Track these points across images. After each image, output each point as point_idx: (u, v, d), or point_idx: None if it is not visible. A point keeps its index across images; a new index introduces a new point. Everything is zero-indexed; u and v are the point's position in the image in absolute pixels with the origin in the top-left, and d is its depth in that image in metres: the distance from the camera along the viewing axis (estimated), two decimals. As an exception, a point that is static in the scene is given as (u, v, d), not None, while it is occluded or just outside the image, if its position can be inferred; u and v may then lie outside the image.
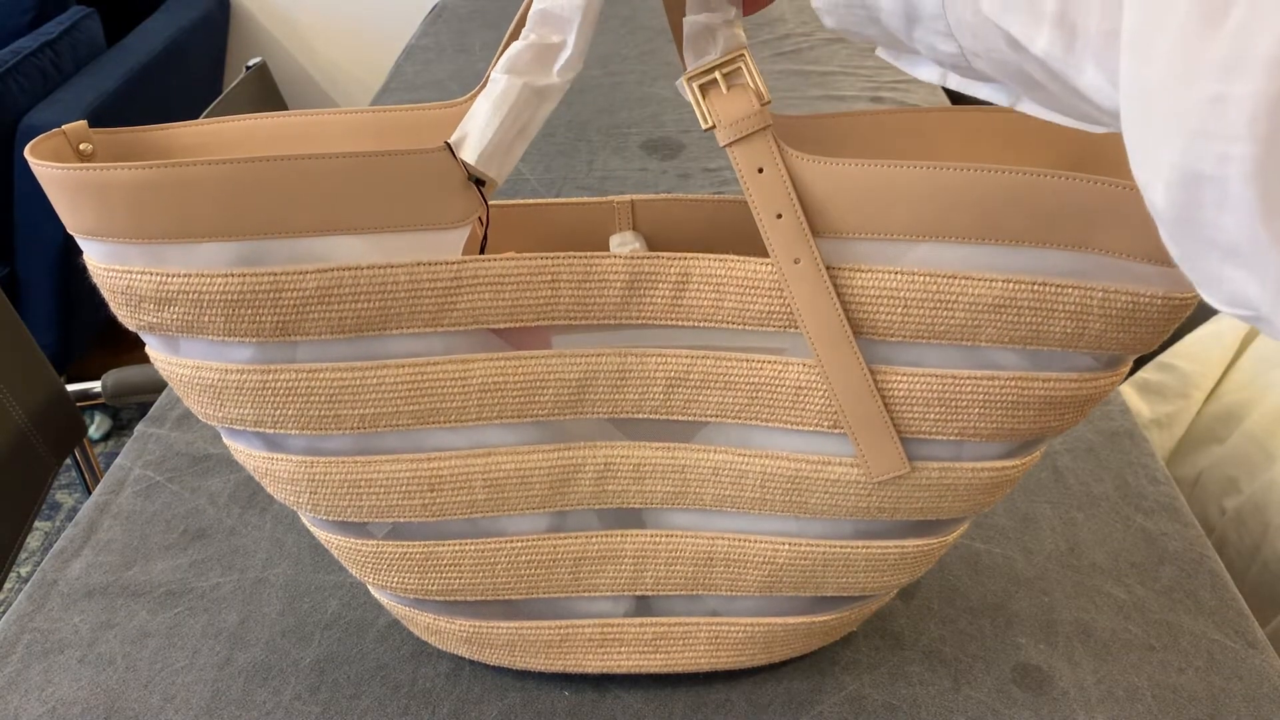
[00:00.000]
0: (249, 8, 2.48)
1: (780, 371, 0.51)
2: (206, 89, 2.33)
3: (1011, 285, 0.47)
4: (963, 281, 0.47)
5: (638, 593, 0.59)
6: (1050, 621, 0.68)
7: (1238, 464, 0.95)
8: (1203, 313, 0.94)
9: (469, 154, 0.47)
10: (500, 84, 0.47)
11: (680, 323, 0.51)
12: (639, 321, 0.51)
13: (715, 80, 0.47)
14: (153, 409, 0.90)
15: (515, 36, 0.50)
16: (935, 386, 0.50)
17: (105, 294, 0.50)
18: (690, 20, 0.48)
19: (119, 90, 1.83)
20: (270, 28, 2.50)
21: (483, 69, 0.50)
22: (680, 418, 0.53)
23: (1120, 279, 0.47)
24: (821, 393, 0.51)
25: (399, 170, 0.47)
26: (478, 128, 0.47)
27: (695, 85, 0.48)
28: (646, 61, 1.62)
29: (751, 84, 0.47)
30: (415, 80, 1.59)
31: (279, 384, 0.50)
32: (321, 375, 0.50)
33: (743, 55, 0.47)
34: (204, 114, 0.89)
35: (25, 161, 0.51)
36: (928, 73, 0.45)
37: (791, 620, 0.60)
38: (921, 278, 0.48)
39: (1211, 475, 0.97)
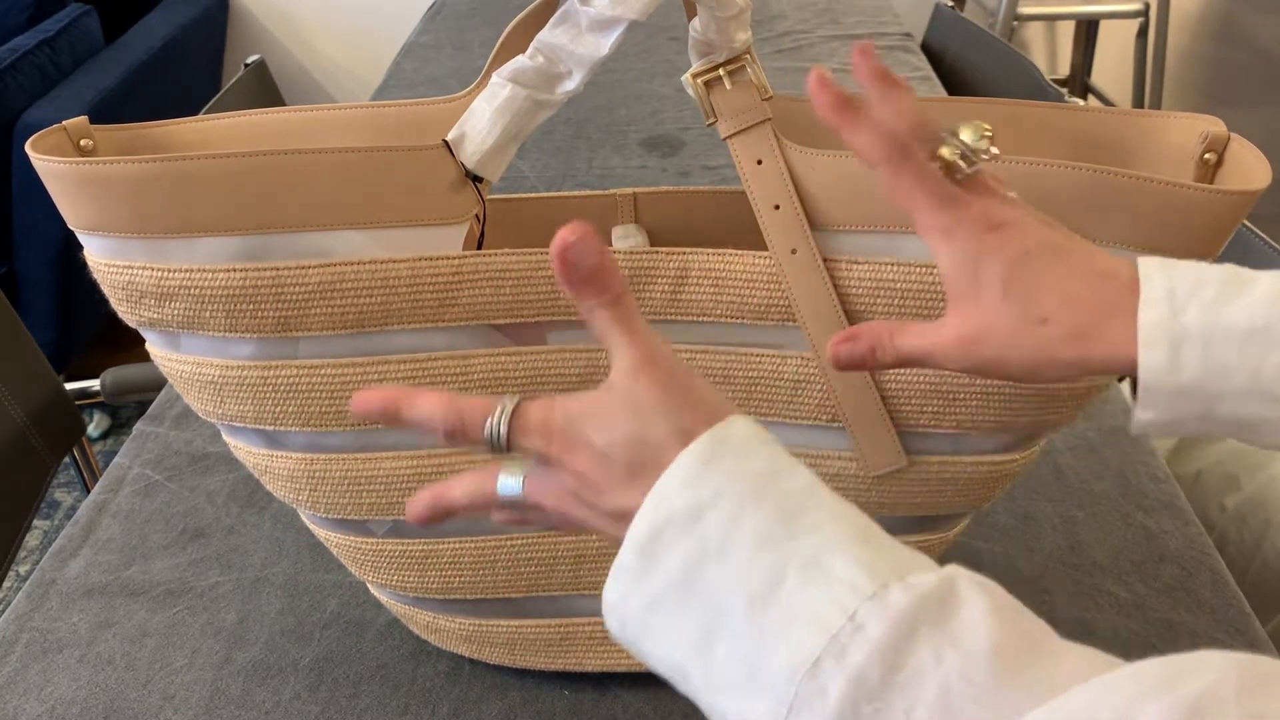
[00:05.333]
0: (247, 5, 2.48)
1: (778, 365, 0.51)
2: (205, 86, 2.32)
3: (1012, 280, 0.47)
4: (962, 275, 0.47)
5: (638, 590, 0.59)
6: (1051, 620, 0.67)
7: (1238, 461, 0.95)
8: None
9: (467, 155, 0.48)
10: (504, 92, 0.47)
11: (679, 317, 0.51)
12: (640, 317, 0.51)
13: (719, 77, 0.48)
14: (151, 407, 0.90)
15: (514, 37, 0.51)
16: (932, 378, 0.50)
17: (106, 290, 0.50)
18: (694, 26, 0.48)
19: (117, 88, 1.83)
20: (269, 25, 2.50)
21: (481, 65, 0.51)
22: (681, 414, 0.53)
23: None
24: (819, 386, 0.51)
25: (398, 166, 0.47)
26: (478, 132, 0.48)
27: (700, 81, 0.48)
28: (646, 59, 1.61)
29: (755, 80, 0.48)
30: (414, 77, 1.59)
31: (280, 380, 0.50)
32: (322, 371, 0.50)
33: (748, 54, 0.48)
34: (202, 111, 0.89)
35: (24, 159, 0.51)
36: None
37: (792, 617, 0.60)
38: (918, 269, 0.48)
39: (1212, 473, 0.96)
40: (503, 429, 0.37)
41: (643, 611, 0.33)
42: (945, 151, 0.41)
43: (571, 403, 0.37)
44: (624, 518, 0.35)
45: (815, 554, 0.31)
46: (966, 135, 0.40)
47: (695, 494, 0.33)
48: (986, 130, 0.40)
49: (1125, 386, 1.09)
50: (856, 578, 0.30)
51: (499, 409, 0.37)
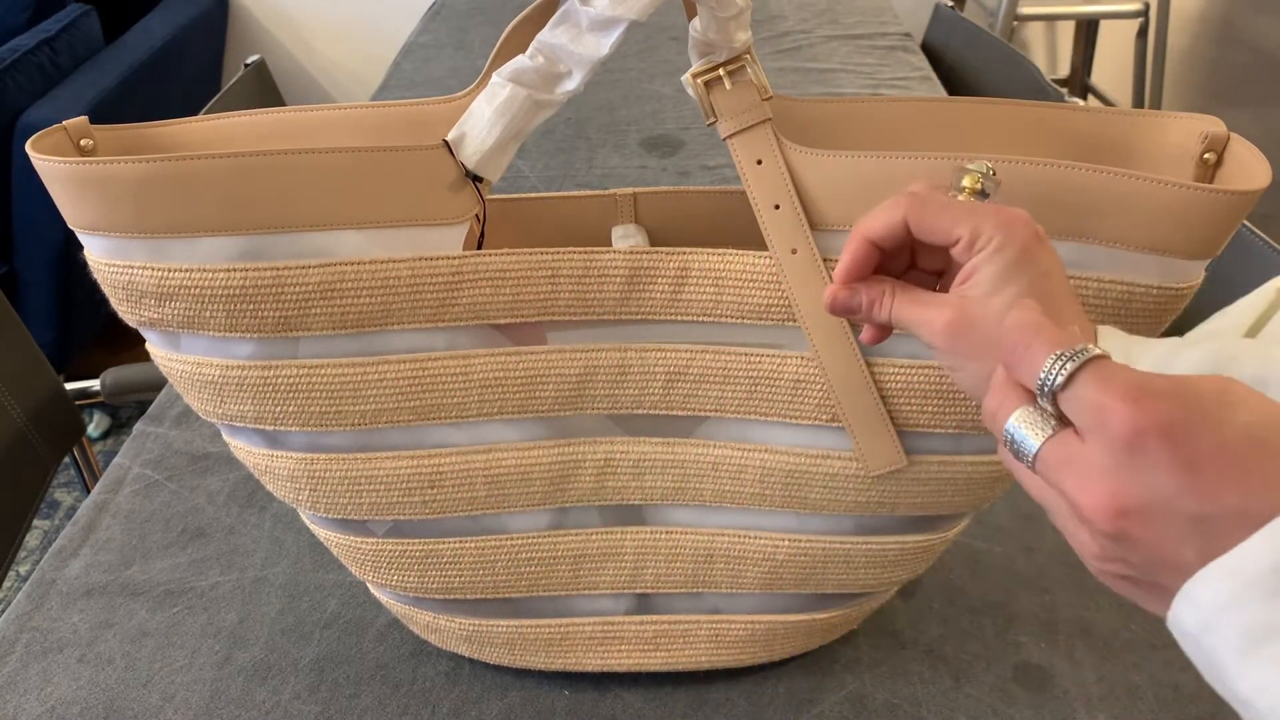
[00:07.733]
0: (247, 5, 2.48)
1: (779, 365, 0.51)
2: (205, 87, 2.32)
3: (1012, 279, 0.47)
4: (961, 274, 0.47)
5: (638, 590, 0.59)
6: (1051, 620, 0.68)
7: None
8: (1204, 310, 0.94)
9: (467, 155, 0.48)
10: (504, 92, 0.47)
11: (679, 317, 0.51)
12: (639, 317, 0.51)
13: (719, 77, 0.48)
14: (151, 407, 0.90)
15: (514, 37, 0.51)
16: (933, 379, 0.50)
17: (106, 290, 0.50)
18: (694, 26, 0.48)
19: (117, 88, 1.83)
20: (269, 25, 2.50)
21: (481, 65, 0.51)
22: (680, 412, 0.53)
23: (1116, 268, 0.47)
24: (819, 386, 0.51)
25: (399, 165, 0.47)
26: (478, 131, 0.48)
27: (700, 81, 0.48)
28: (646, 59, 1.61)
29: (755, 80, 0.48)
30: (414, 77, 1.59)
31: (280, 380, 0.50)
32: (323, 371, 0.50)
33: (748, 54, 0.48)
34: (202, 112, 0.89)
35: (24, 159, 0.51)
36: None
37: (792, 617, 0.60)
38: (918, 269, 0.48)
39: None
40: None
41: (1260, 633, 0.28)
42: (967, 181, 0.42)
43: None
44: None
45: None
46: (973, 165, 0.42)
47: None
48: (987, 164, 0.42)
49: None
50: None
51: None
